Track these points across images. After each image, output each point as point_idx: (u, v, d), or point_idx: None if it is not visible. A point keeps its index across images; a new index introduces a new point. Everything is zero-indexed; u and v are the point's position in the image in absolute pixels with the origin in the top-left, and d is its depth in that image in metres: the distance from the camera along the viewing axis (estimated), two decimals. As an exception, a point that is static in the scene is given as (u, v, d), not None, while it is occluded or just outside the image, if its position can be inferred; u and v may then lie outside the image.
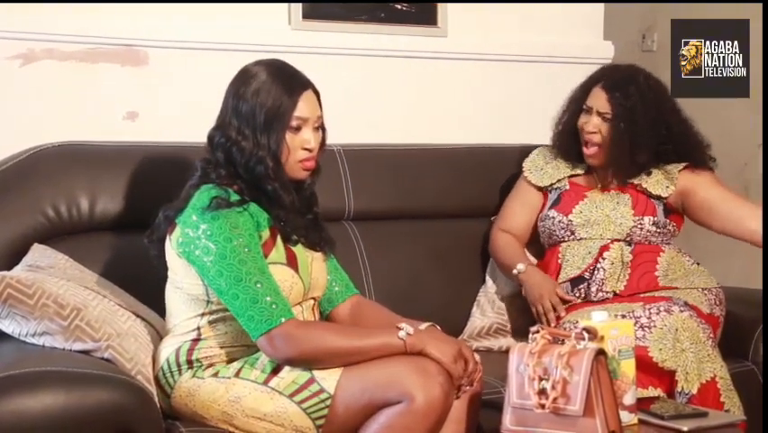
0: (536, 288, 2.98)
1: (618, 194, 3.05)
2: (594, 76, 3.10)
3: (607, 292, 2.95)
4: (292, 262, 2.46)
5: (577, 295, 2.97)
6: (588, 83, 3.09)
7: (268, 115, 2.41)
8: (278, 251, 2.45)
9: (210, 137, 2.48)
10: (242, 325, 2.34)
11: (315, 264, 2.54)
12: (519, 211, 3.17)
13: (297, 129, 2.45)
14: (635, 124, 2.98)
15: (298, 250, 2.49)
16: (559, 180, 3.13)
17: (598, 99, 3.02)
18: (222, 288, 2.34)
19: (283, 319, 2.31)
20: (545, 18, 3.72)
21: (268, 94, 2.42)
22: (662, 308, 2.78)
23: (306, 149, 2.46)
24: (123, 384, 2.26)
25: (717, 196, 3.01)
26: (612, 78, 3.06)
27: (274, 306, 2.32)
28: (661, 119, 3.02)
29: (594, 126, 3.02)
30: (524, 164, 3.19)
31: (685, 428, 2.35)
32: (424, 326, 2.42)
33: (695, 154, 3.07)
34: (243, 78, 2.45)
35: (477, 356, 2.40)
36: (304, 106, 2.44)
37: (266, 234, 2.43)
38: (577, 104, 3.09)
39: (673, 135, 3.04)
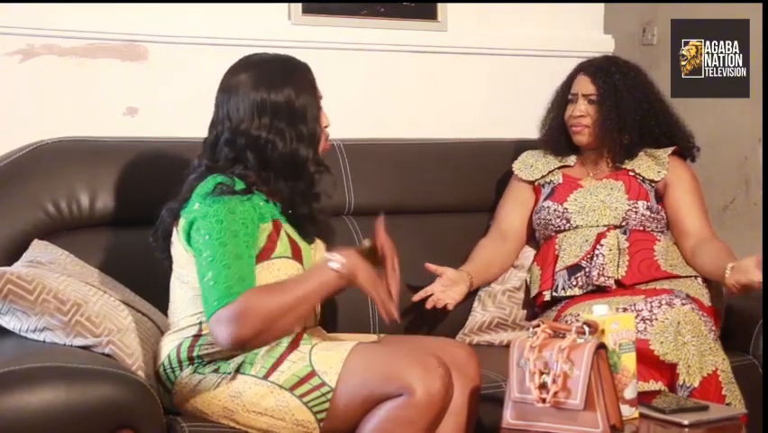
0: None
1: (611, 181, 3.08)
2: (572, 71, 3.16)
3: (608, 277, 2.94)
4: (297, 255, 2.45)
5: (574, 284, 2.97)
6: (568, 79, 3.16)
7: (299, 104, 2.42)
8: (284, 244, 2.43)
9: (230, 141, 2.41)
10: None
11: (318, 255, 2.53)
12: (512, 210, 3.18)
13: (320, 111, 2.48)
14: (621, 100, 3.04)
15: (302, 242, 2.49)
16: (551, 173, 3.15)
17: (582, 84, 3.09)
18: (199, 268, 2.32)
19: (218, 304, 2.26)
20: (545, 12, 3.72)
21: (292, 84, 2.42)
22: (663, 301, 2.78)
23: (326, 127, 2.50)
24: (123, 380, 2.26)
25: (685, 206, 3.05)
26: (591, 64, 3.14)
27: (227, 288, 2.26)
28: (643, 96, 3.08)
29: (581, 111, 3.07)
30: (513, 165, 3.21)
31: (686, 422, 2.35)
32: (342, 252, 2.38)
33: (680, 140, 3.12)
34: (254, 76, 2.43)
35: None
36: (318, 88, 2.48)
37: (268, 226, 2.41)
38: (561, 100, 3.15)
39: (657, 112, 3.09)
